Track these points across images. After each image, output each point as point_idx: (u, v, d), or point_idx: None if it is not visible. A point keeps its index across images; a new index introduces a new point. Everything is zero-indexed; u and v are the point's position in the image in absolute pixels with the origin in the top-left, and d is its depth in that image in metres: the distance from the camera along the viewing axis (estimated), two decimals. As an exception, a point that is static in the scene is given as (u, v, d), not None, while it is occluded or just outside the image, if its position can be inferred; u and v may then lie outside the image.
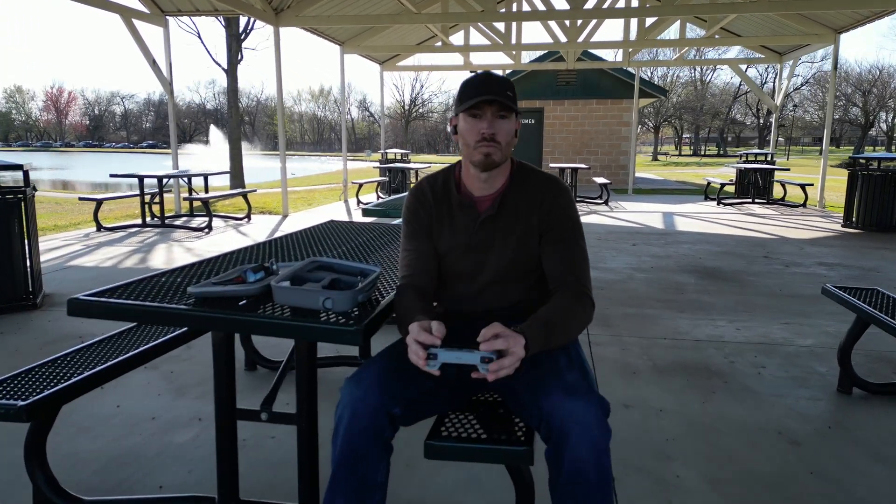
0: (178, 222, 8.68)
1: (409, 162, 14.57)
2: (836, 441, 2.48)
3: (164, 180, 8.12)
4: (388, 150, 14.52)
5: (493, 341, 1.36)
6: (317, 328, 1.49)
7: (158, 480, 2.16)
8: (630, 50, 13.21)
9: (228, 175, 15.00)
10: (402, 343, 1.66)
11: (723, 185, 12.19)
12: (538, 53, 16.98)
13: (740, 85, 60.73)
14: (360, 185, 11.41)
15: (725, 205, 11.64)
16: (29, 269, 4.33)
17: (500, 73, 10.02)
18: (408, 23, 10.37)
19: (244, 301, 1.62)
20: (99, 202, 7.92)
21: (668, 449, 2.41)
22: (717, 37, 12.40)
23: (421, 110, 70.36)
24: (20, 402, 1.71)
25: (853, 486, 2.16)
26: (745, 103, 62.63)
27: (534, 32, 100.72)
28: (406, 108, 68.81)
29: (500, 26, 11.79)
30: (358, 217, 9.63)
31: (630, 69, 15.27)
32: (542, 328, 1.47)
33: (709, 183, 13.41)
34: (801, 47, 12.04)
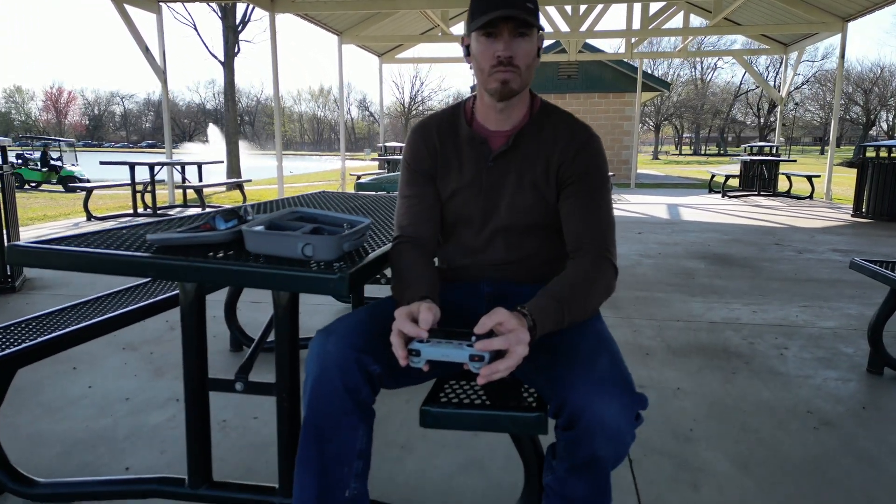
0: (171, 213, 8.46)
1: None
2: (872, 422, 2.27)
3: (156, 169, 7.91)
4: (387, 143, 14.31)
5: (491, 340, 1.12)
6: (296, 276, 1.28)
7: (126, 463, 1.95)
8: (633, 41, 13.00)
9: (225, 170, 14.79)
10: (390, 300, 1.44)
11: (728, 176, 11.98)
12: (539, 47, 16.74)
13: (741, 84, 60.55)
14: (359, 177, 11.20)
15: (730, 197, 11.42)
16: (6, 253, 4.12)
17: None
18: (406, 8, 10.14)
19: (212, 253, 1.41)
20: (89, 191, 7.70)
21: (689, 430, 2.19)
22: (721, 27, 12.19)
23: (420, 108, 70.16)
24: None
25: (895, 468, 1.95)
26: (745, 102, 62.41)
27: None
28: (406, 105, 68.63)
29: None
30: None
31: (632, 62, 15.05)
32: (555, 307, 1.23)
33: (713, 176, 13.19)
34: (807, 37, 11.82)
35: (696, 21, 13.09)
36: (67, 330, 1.77)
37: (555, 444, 1.45)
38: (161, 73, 9.38)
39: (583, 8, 11.03)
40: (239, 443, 2.09)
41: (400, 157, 12.75)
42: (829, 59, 55.78)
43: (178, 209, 8.89)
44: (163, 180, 10.22)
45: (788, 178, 11.92)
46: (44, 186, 18.37)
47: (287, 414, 1.56)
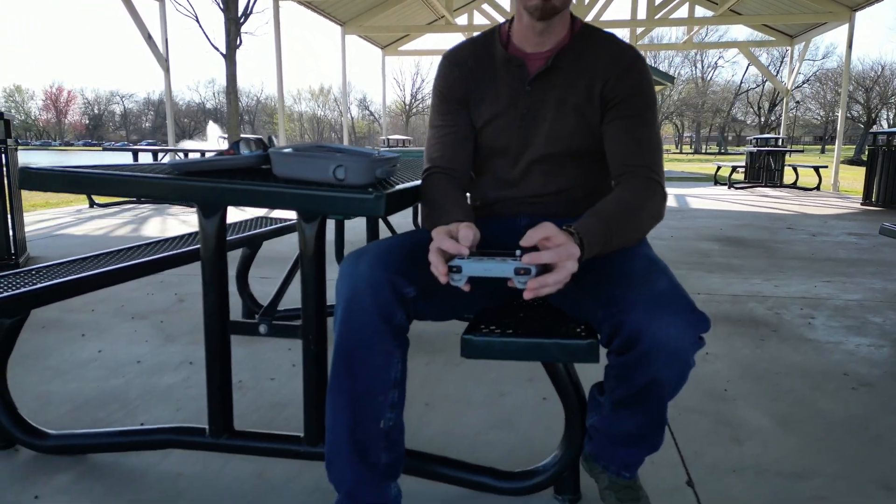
0: (175, 203, 8.37)
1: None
2: (912, 384, 2.19)
3: (160, 155, 7.83)
4: (390, 137, 14.23)
5: (539, 252, 1.03)
6: (327, 196, 1.20)
7: (141, 419, 1.87)
8: (638, 31, 12.91)
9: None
10: (422, 231, 1.36)
11: (734, 167, 11.90)
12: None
13: (741, 83, 60.48)
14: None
15: (737, 188, 11.34)
16: (11, 228, 4.04)
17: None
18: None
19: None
20: (92, 177, 7.60)
21: (724, 391, 2.11)
22: (726, 16, 12.11)
23: (421, 105, 70.05)
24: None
25: (945, 426, 1.86)
26: (746, 101, 62.34)
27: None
28: (407, 103, 68.54)
29: (506, 5, 11.51)
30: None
31: (636, 54, 14.96)
32: (603, 228, 1.14)
33: (718, 168, 13.11)
34: (814, 27, 11.75)
35: (701, 12, 13.00)
36: (86, 274, 1.69)
37: (598, 384, 1.37)
38: (164, 62, 9.30)
39: (588, -2, 10.95)
40: (257, 402, 2.01)
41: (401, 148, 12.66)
42: (830, 59, 55.75)
43: (182, 198, 8.79)
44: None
45: (795, 169, 11.82)
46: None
47: (314, 357, 1.47)
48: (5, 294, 1.54)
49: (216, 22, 14.82)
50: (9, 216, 4.02)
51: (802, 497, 1.49)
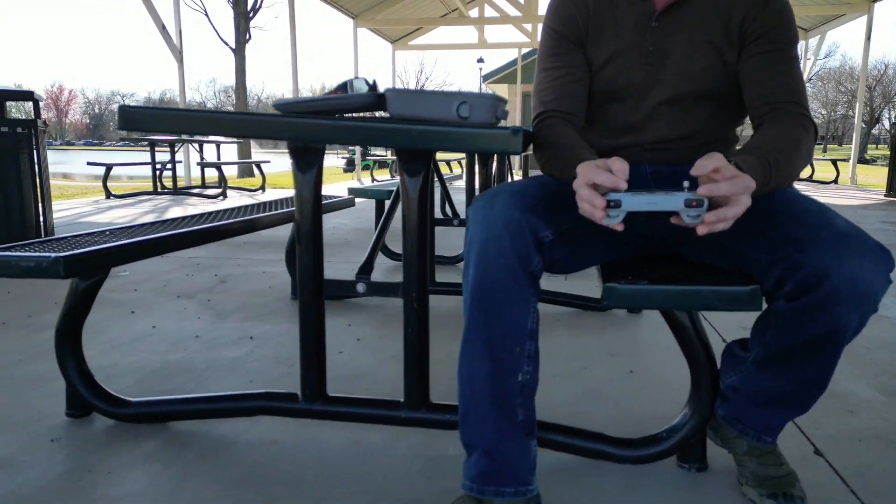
0: (192, 191, 8.27)
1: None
2: None
3: (177, 146, 7.73)
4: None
5: (717, 184, 0.91)
6: (464, 133, 1.10)
7: (213, 390, 1.77)
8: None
9: (236, 155, 14.62)
10: (545, 177, 1.26)
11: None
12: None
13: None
14: (375, 162, 11.03)
15: (753, 182, 11.23)
16: (41, 208, 3.95)
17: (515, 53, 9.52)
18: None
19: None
20: (109, 167, 7.52)
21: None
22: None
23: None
24: (57, 254, 1.31)
25: None
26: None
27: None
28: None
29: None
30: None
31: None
32: (762, 165, 1.02)
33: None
34: (830, 20, 11.64)
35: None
36: (172, 232, 1.59)
37: (738, 340, 1.27)
38: (178, 53, 9.19)
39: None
40: (330, 374, 1.91)
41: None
42: (832, 58, 55.69)
43: (198, 189, 8.70)
44: (180, 161, 10.03)
45: (811, 163, 11.74)
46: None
47: (416, 317, 1.38)
48: (82, 250, 1.44)
49: (225, 18, 14.73)
50: (40, 202, 3.93)
51: (941, 466, 1.39)
